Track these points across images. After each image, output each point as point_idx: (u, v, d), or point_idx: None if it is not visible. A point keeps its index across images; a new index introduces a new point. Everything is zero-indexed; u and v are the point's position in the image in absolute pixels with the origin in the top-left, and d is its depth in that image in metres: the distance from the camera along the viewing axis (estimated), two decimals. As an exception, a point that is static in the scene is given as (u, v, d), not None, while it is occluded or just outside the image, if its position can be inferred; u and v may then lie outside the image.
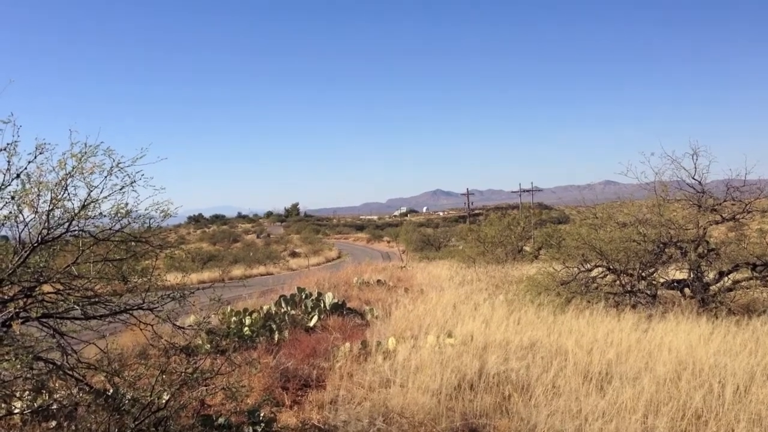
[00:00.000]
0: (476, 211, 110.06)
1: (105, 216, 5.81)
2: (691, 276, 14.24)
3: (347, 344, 10.98)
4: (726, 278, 14.17)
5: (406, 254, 59.20)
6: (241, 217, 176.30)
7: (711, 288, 14.01)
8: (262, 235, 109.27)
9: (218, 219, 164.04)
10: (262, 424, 6.71)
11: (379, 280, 24.11)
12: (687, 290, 14.45)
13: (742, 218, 15.04)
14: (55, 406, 6.15)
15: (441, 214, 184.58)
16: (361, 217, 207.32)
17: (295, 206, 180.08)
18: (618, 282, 14.81)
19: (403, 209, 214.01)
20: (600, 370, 8.54)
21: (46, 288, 5.71)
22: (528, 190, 64.40)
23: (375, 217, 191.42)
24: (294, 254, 69.47)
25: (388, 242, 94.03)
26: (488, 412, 7.41)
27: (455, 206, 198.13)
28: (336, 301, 15.95)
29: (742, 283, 14.01)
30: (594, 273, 15.26)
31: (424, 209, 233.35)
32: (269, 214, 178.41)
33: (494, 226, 36.75)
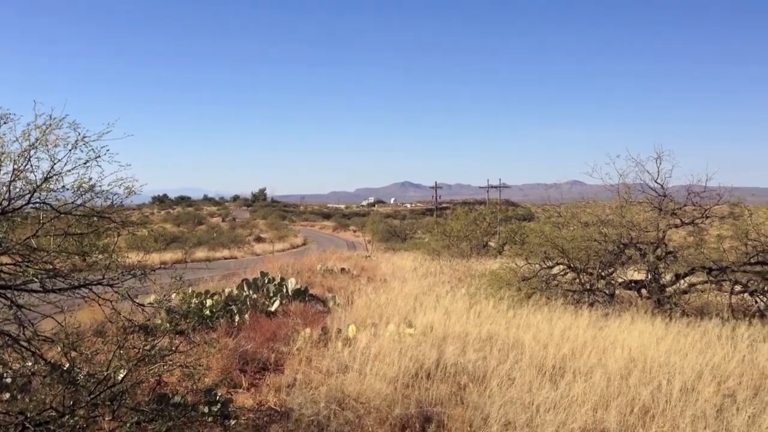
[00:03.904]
0: (444, 205, 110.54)
1: (68, 189, 5.76)
2: (649, 277, 14.56)
3: (307, 330, 11.03)
4: (682, 281, 14.51)
5: (372, 244, 59.36)
6: (207, 200, 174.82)
7: (667, 289, 14.34)
8: (227, 219, 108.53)
9: (183, 200, 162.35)
10: (219, 404, 6.72)
11: (343, 269, 24.16)
12: (644, 291, 14.77)
13: (701, 223, 15.40)
14: (9, 379, 6.11)
15: (408, 206, 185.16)
16: (328, 205, 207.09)
17: (262, 191, 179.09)
18: (578, 280, 15.08)
19: (371, 199, 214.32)
20: (554, 364, 8.73)
21: (5, 259, 5.66)
22: (495, 186, 64.94)
23: (342, 206, 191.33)
24: (259, 239, 69.11)
25: (354, 232, 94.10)
26: (443, 400, 7.52)
27: (423, 199, 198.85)
28: (299, 287, 15.96)
29: (698, 286, 14.36)
30: (555, 270, 15.51)
31: (392, 200, 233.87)
32: (236, 198, 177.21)
33: (460, 221, 36.99)
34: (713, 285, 14.20)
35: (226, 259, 42.92)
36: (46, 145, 5.53)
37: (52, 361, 5.62)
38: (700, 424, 6.63)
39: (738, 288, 13.91)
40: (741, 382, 8.02)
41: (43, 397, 5.11)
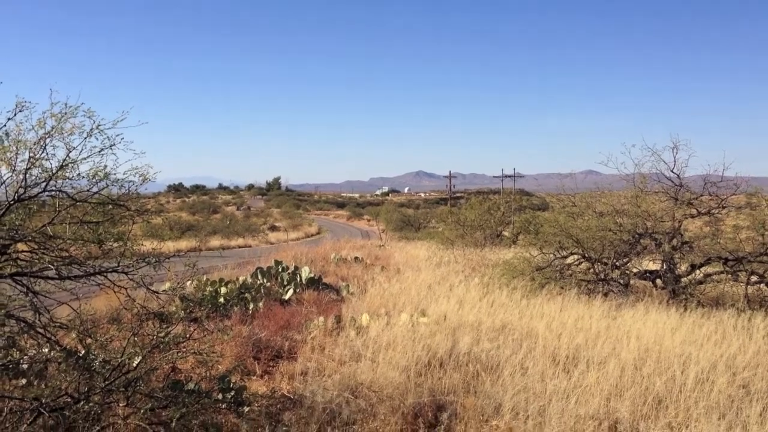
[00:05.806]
0: (458, 194, 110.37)
1: (83, 177, 5.78)
2: (664, 267, 14.46)
3: (321, 318, 11.07)
4: (698, 271, 14.40)
5: (386, 233, 59.36)
6: (222, 189, 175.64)
7: (682, 280, 14.24)
8: (242, 208, 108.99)
9: (199, 189, 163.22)
10: (232, 391, 6.76)
11: (356, 258, 24.18)
12: (659, 281, 14.68)
13: (718, 213, 15.26)
14: (25, 365, 6.17)
15: (423, 195, 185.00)
16: (342, 194, 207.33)
17: (276, 180, 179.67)
18: (592, 270, 15.01)
19: (385, 189, 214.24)
20: (568, 353, 8.70)
21: (21, 247, 5.70)
22: (510, 176, 64.67)
23: (356, 195, 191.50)
24: (273, 228, 69.30)
25: (368, 221, 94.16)
26: (456, 389, 7.53)
27: (437, 188, 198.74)
28: (312, 275, 16.01)
29: (713, 277, 14.23)
30: (569, 260, 15.44)
31: (406, 190, 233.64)
32: (250, 187, 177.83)
33: (474, 210, 36.85)
34: (729, 275, 14.07)
35: (240, 247, 43.07)
36: (62, 134, 5.56)
37: (67, 347, 5.67)
38: (714, 415, 6.60)
39: (754, 278, 13.78)
40: (756, 373, 7.96)
41: (58, 383, 5.17)
